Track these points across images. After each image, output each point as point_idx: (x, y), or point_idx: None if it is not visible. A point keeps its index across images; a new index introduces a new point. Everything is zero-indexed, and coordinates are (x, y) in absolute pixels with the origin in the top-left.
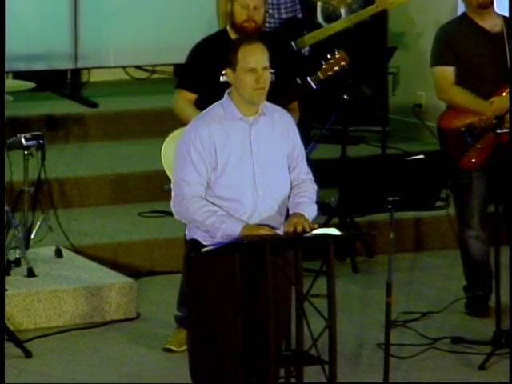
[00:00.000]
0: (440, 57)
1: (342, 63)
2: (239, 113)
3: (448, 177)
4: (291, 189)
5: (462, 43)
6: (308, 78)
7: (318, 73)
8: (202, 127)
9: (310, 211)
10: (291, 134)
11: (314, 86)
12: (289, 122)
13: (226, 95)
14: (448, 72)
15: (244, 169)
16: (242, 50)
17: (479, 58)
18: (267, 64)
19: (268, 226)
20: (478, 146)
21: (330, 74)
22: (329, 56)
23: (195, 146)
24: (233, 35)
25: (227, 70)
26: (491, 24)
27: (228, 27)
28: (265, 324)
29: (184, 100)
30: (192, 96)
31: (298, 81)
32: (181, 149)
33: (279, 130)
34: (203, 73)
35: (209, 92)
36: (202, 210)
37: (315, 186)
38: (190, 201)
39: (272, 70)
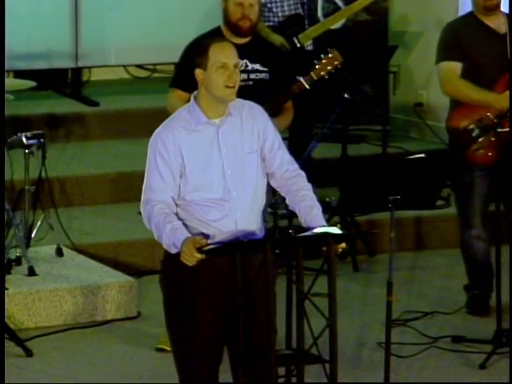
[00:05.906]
0: (447, 52)
1: (335, 63)
2: (205, 117)
3: (450, 176)
4: (286, 180)
5: (470, 41)
6: (301, 78)
7: (311, 73)
8: (166, 133)
9: (322, 217)
10: (261, 126)
11: (307, 87)
12: (257, 115)
13: (192, 99)
14: (455, 67)
15: (213, 171)
16: (212, 48)
17: (487, 59)
18: (238, 61)
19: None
20: (492, 138)
21: (323, 73)
22: (322, 56)
23: (160, 152)
24: (227, 34)
25: (197, 71)
26: (498, 24)
27: (222, 26)
28: (260, 323)
29: (177, 99)
30: (186, 95)
31: (300, 78)
32: (148, 155)
33: (248, 127)
34: None
35: None
36: (159, 213)
37: (308, 183)
38: (153, 207)
39: (265, 69)
